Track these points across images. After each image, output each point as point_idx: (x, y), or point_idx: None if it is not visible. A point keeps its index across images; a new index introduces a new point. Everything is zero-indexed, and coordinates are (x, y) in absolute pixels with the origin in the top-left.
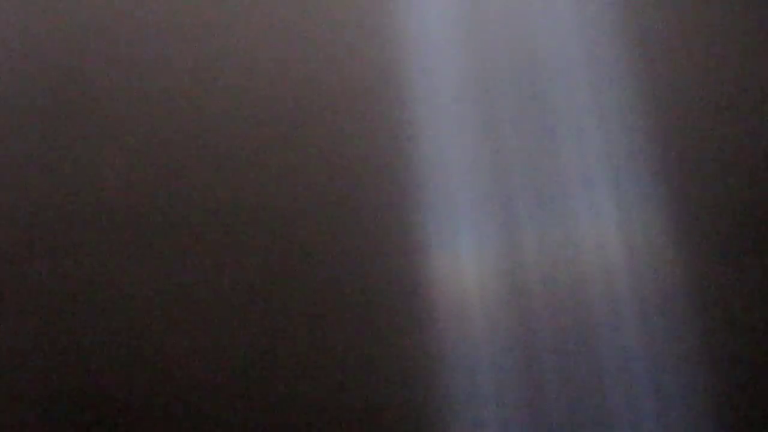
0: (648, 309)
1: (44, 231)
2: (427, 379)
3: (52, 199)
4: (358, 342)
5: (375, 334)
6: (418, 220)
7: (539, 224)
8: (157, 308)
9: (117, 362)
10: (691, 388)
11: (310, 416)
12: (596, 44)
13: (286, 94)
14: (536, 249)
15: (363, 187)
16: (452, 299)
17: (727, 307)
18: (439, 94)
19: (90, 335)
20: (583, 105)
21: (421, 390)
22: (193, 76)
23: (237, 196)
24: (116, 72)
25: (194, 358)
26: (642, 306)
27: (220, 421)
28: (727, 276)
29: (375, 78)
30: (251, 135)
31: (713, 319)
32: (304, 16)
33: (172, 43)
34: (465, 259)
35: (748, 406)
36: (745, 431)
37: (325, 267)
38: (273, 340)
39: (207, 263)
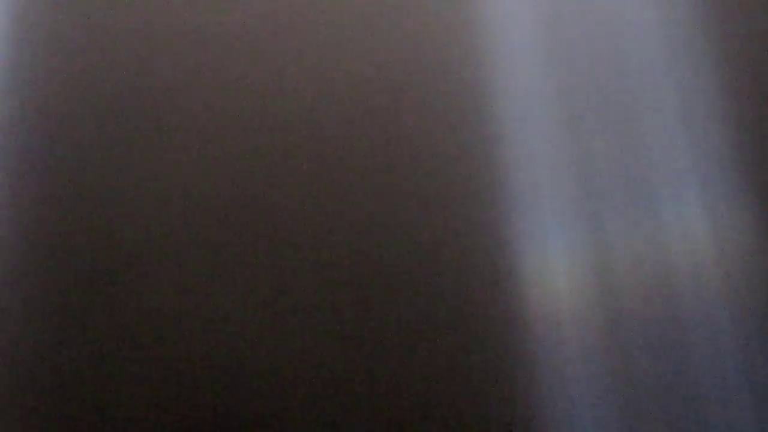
0: (738, 305)
1: (138, 233)
2: (517, 378)
3: (141, 201)
4: (448, 342)
5: (467, 333)
6: (506, 218)
7: (627, 222)
8: (253, 316)
9: (209, 371)
10: None
11: (403, 421)
12: (682, 42)
13: (374, 95)
14: (624, 247)
15: (451, 187)
16: (541, 297)
17: None
18: (525, 94)
19: (184, 345)
20: (670, 102)
21: (512, 390)
22: (284, 74)
23: (327, 196)
24: (205, 73)
25: (290, 364)
26: (732, 302)
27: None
28: None
29: (461, 78)
30: (340, 135)
31: None
32: (391, 17)
33: (263, 42)
34: (553, 257)
35: None
36: None
37: (415, 266)
38: (369, 343)
39: (302, 266)
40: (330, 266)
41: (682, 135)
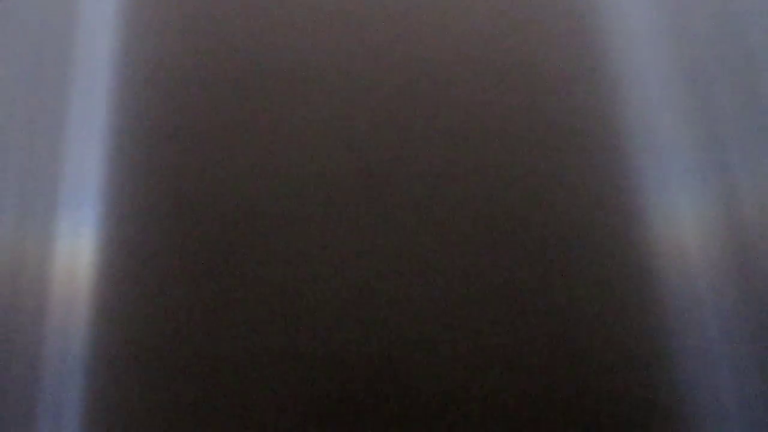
0: None
1: (267, 205)
2: (654, 344)
3: (269, 178)
4: (586, 314)
5: (601, 300)
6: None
7: (755, 171)
8: (389, 288)
9: (349, 356)
10: None
11: (546, 406)
12: None
13: (508, 83)
14: (754, 196)
15: (586, 138)
16: (673, 263)
17: None
18: (650, 86)
19: (319, 325)
20: None
21: (649, 362)
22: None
23: (466, 178)
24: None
25: (434, 351)
26: None
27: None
28: None
29: (589, 69)
30: (475, 119)
31: None
32: (523, 10)
33: (401, 38)
34: (684, 209)
35: None
36: None
37: (551, 242)
38: (507, 325)
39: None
40: (475, 252)
41: None
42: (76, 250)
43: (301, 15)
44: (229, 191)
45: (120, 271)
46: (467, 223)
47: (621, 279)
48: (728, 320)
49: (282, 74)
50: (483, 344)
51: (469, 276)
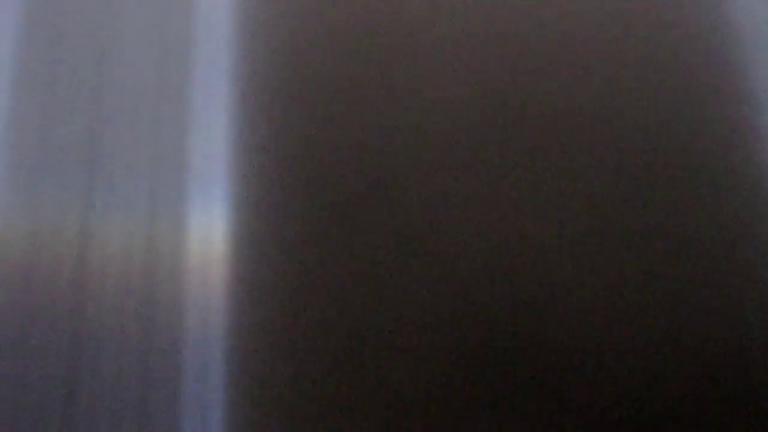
0: None
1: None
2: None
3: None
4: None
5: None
6: None
7: None
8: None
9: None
10: None
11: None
12: None
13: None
14: None
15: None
16: None
17: None
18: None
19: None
20: None
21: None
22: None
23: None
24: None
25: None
26: None
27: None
28: None
29: (713, 71)
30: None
31: None
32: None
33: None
34: None
35: None
36: None
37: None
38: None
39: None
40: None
41: None
42: (208, 238)
43: None
44: (359, 166)
45: (254, 256)
46: (601, 177)
47: (729, 274)
48: None
49: (411, 34)
50: (614, 298)
51: (604, 232)
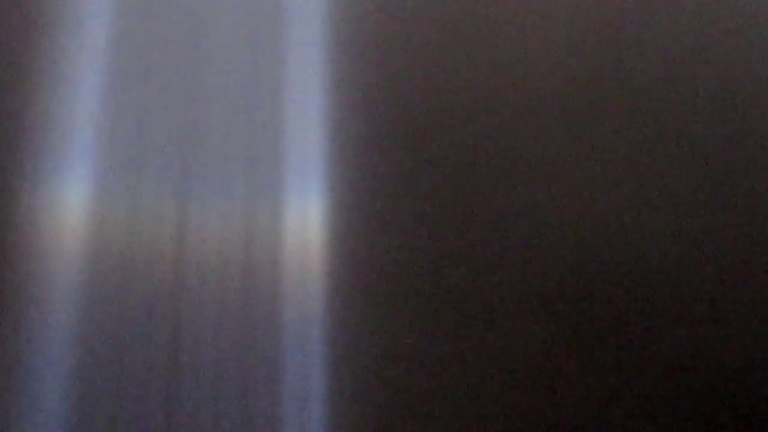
0: None
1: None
2: None
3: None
4: None
5: None
6: None
7: None
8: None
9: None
10: None
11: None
12: None
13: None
14: None
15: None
16: None
17: None
18: None
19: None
20: None
21: None
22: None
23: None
24: None
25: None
26: None
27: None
28: None
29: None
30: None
31: None
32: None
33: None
34: None
35: None
36: None
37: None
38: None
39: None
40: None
41: None
42: (306, 224)
43: None
44: (455, 152)
45: (351, 244)
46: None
47: None
48: None
49: (512, 21)
50: (712, 272)
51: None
